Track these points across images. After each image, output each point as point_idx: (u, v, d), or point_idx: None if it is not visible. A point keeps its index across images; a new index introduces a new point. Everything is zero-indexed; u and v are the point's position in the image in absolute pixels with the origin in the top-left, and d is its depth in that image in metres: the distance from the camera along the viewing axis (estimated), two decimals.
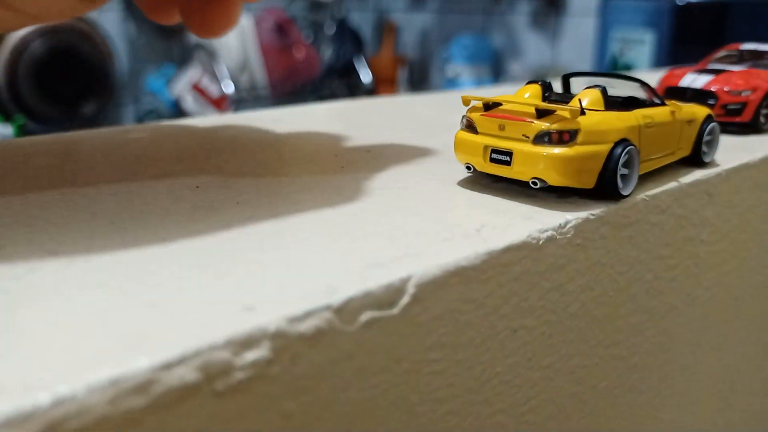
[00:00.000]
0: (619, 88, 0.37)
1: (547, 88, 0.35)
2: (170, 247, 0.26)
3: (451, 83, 3.13)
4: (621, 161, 0.31)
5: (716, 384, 0.49)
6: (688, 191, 0.37)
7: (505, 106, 0.32)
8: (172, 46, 3.08)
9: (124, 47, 2.88)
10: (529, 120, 0.30)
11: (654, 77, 0.64)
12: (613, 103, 0.35)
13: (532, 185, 0.31)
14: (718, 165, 0.40)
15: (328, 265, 0.24)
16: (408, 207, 0.31)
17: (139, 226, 0.28)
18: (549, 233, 0.28)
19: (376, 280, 0.23)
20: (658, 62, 2.18)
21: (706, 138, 0.39)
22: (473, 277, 0.26)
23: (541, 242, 0.28)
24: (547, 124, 0.30)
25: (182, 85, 2.88)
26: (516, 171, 0.31)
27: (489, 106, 0.33)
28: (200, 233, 0.27)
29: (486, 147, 0.32)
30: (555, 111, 0.30)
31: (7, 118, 2.20)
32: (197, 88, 2.87)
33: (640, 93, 0.37)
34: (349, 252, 0.25)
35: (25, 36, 2.43)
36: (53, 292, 0.21)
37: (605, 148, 0.31)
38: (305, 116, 0.56)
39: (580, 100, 0.32)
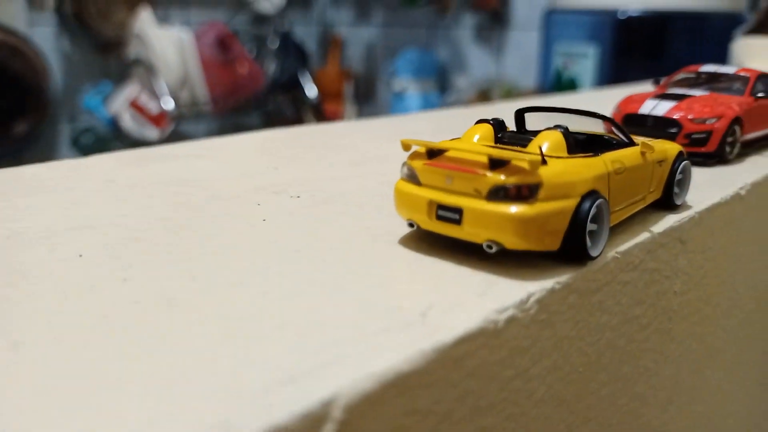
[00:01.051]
0: (579, 124, 0.32)
1: (499, 127, 0.30)
2: (22, 352, 0.19)
3: (398, 97, 3.10)
4: (590, 217, 0.26)
5: None
6: (660, 241, 0.32)
7: (452, 154, 0.27)
8: (109, 61, 2.96)
9: (58, 63, 2.75)
10: (482, 172, 0.25)
11: (601, 96, 0.60)
12: (575, 145, 0.30)
13: (486, 249, 0.26)
14: (690, 207, 0.36)
15: (220, 383, 0.18)
16: (335, 280, 0.25)
17: None
18: (509, 313, 0.23)
19: (286, 406, 0.17)
20: (602, 75, 2.20)
21: (678, 177, 0.35)
22: (418, 383, 0.20)
23: (500, 325, 0.23)
24: (503, 177, 0.25)
25: (119, 102, 2.77)
26: (467, 232, 0.26)
27: (433, 153, 0.27)
28: (64, 333, 0.21)
29: (431, 202, 0.27)
30: (511, 161, 0.25)
31: None
32: (135, 105, 2.76)
33: (603, 129, 0.32)
34: (249, 360, 0.19)
35: None
36: None
37: (572, 203, 0.26)
38: (230, 150, 0.50)
39: (539, 145, 0.27)
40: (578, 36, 2.32)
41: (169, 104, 2.76)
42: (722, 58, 1.43)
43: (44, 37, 2.63)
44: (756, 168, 0.45)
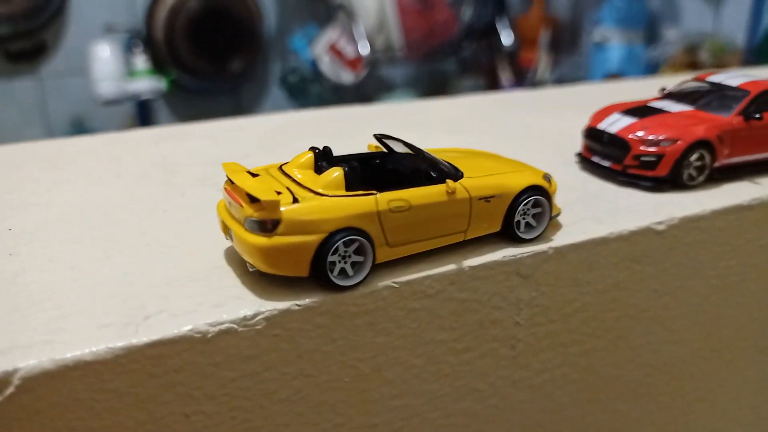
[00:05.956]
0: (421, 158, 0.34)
1: (323, 156, 0.34)
2: None
3: (599, 48, 2.92)
4: (335, 251, 0.29)
5: None
6: (474, 273, 0.34)
7: (237, 184, 0.31)
8: (318, 5, 3.16)
9: (273, 6, 3.00)
10: (243, 204, 0.30)
11: None
12: (390, 177, 0.33)
13: (249, 268, 0.31)
14: (550, 240, 0.36)
15: None
16: (132, 275, 0.32)
17: None
18: (225, 326, 0.28)
19: None
20: None
21: (532, 212, 0.35)
22: (106, 369, 0.27)
23: (210, 336, 0.28)
24: (252, 211, 0.29)
25: (321, 45, 2.98)
26: (238, 251, 0.31)
27: (233, 181, 0.32)
28: None
29: (223, 222, 0.32)
30: (261, 199, 0.29)
31: (161, 72, 2.42)
32: (334, 49, 2.95)
33: (432, 168, 0.34)
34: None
35: None
36: None
37: (315, 238, 0.29)
38: (239, 132, 0.58)
39: (325, 180, 0.30)
40: None
41: (365, 49, 2.91)
42: None
43: None
44: (712, 199, 0.42)
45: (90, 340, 0.27)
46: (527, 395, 0.39)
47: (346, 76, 2.80)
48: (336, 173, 0.31)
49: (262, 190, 0.30)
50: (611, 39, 3.00)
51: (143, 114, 2.18)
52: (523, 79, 3.02)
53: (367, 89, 2.83)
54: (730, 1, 2.55)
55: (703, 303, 0.44)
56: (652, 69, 2.82)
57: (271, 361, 0.30)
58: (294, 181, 0.32)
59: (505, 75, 2.98)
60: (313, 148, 0.34)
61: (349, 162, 0.33)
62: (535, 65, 3.09)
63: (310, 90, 2.92)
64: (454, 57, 3.09)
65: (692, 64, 2.55)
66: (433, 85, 3.02)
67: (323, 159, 0.34)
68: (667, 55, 2.72)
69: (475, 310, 0.35)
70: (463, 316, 0.34)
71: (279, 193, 0.30)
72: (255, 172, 0.33)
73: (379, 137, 0.37)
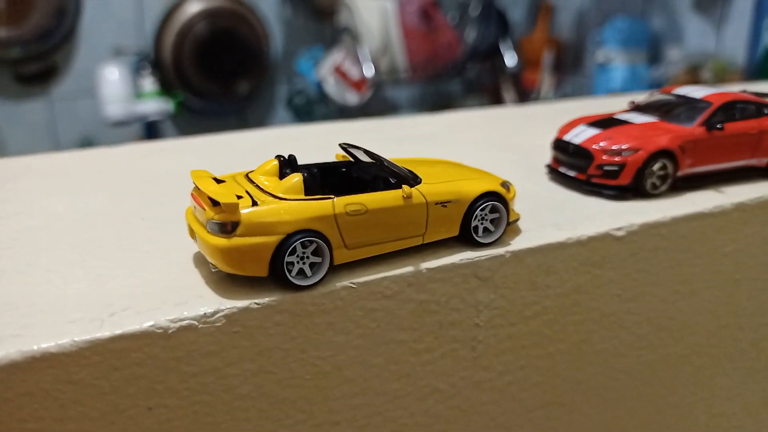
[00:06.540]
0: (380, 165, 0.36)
1: (287, 164, 0.35)
2: None
3: (602, 69, 2.94)
4: (293, 252, 0.31)
5: None
6: (432, 276, 0.35)
7: (201, 189, 0.33)
8: (324, 28, 3.20)
9: (279, 29, 3.05)
10: (205, 207, 0.32)
11: None
12: (352, 184, 0.35)
13: (212, 268, 0.32)
14: (508, 244, 0.37)
15: None
16: (100, 277, 0.33)
17: None
18: (185, 323, 0.30)
19: None
20: None
21: (489, 217, 0.37)
22: (71, 361, 0.28)
23: (171, 331, 0.30)
24: (213, 214, 0.31)
25: (326, 67, 3.02)
26: (202, 252, 0.33)
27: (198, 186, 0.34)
28: None
29: (189, 226, 0.34)
30: (221, 202, 0.31)
31: (168, 94, 2.46)
32: (339, 71, 2.99)
33: (391, 174, 0.35)
34: None
35: (191, 19, 2.69)
36: None
37: (273, 239, 0.31)
38: (226, 146, 0.60)
39: (284, 186, 0.32)
40: None
41: (369, 71, 2.94)
42: None
43: (269, 5, 2.92)
44: (674, 207, 0.43)
45: (57, 334, 0.28)
46: (490, 396, 0.40)
47: (351, 98, 2.84)
48: (296, 179, 0.32)
49: (222, 194, 0.31)
50: (614, 59, 3.02)
51: (151, 135, 2.21)
52: (526, 99, 3.04)
53: (372, 110, 2.86)
54: (731, 21, 2.57)
55: (669, 309, 0.45)
56: (655, 89, 2.83)
57: (232, 357, 0.31)
58: (257, 186, 0.33)
59: (508, 96, 3.00)
60: (278, 156, 0.36)
61: (310, 169, 0.35)
62: (539, 86, 3.10)
63: (316, 111, 2.96)
64: (459, 78, 3.12)
65: (694, 84, 2.55)
66: (438, 106, 3.04)
67: (288, 166, 0.35)
68: (669, 74, 2.74)
69: (434, 311, 0.36)
70: (422, 317, 0.36)
71: (240, 197, 0.32)
72: (221, 179, 0.34)
73: (344, 146, 0.38)
